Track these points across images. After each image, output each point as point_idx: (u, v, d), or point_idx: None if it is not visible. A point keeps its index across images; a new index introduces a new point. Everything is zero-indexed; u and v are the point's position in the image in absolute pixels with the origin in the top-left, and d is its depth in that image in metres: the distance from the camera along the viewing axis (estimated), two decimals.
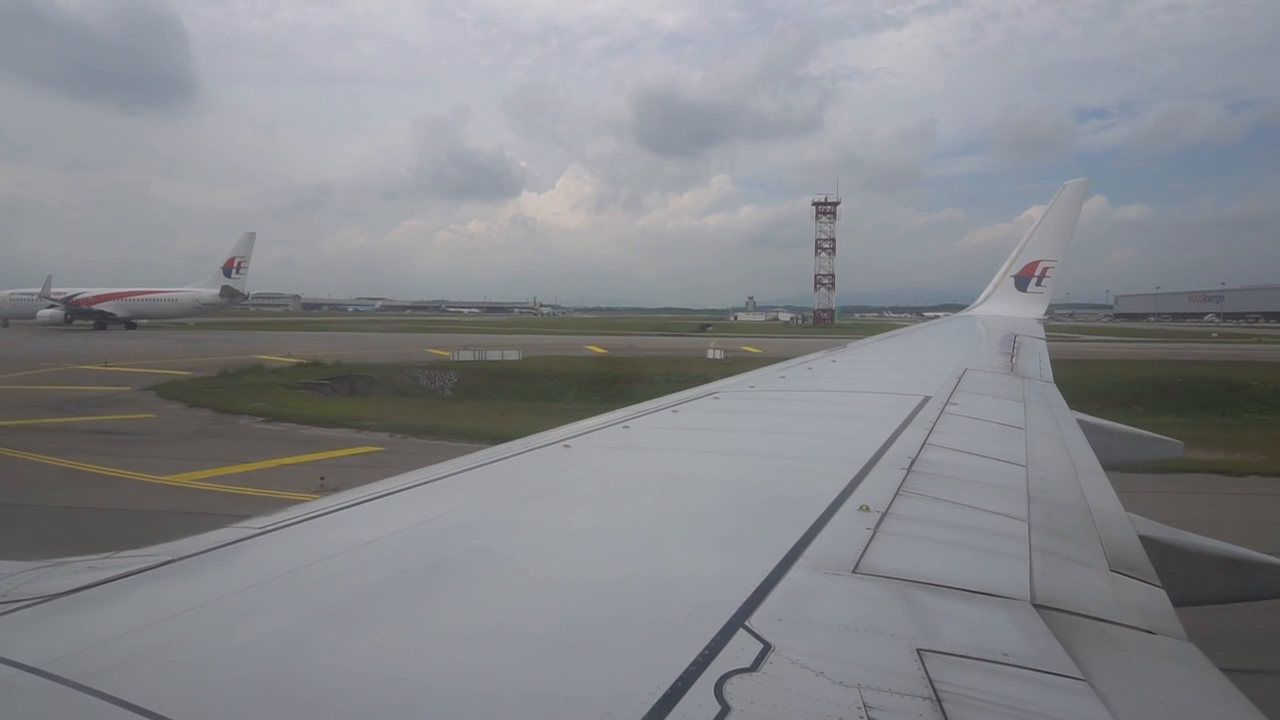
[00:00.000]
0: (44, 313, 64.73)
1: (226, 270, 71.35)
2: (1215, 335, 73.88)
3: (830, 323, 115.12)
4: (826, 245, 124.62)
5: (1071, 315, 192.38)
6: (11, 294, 71.05)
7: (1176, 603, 1.91)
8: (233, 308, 78.01)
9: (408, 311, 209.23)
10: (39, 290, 64.45)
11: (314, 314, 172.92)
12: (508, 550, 1.95)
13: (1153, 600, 1.88)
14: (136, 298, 70.90)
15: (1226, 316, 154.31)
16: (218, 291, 70.59)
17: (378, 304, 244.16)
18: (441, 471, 2.66)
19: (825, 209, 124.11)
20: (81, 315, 66.18)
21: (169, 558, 1.76)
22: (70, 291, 66.42)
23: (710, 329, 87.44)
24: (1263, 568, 2.73)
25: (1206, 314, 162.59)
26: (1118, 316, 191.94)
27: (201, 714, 1.14)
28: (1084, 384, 25.95)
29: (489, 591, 1.66)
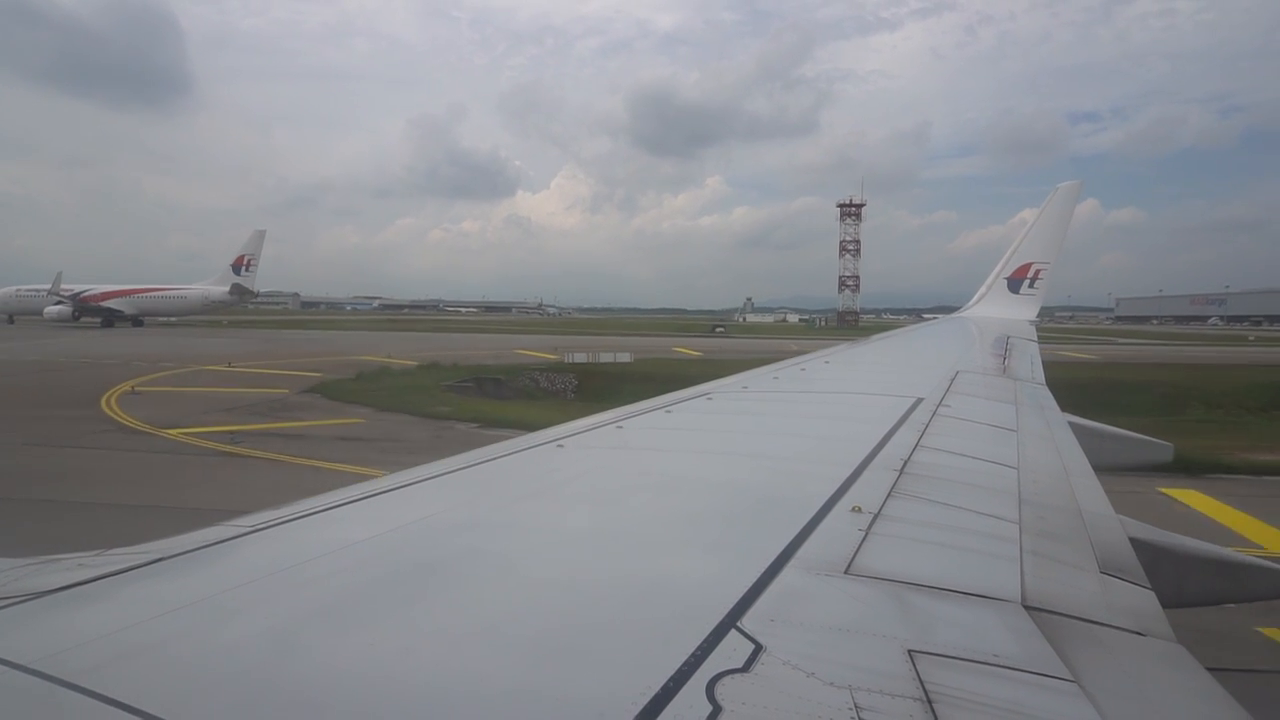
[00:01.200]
0: (51, 309, 64.46)
1: (236, 268, 71.19)
2: (1252, 339, 74.45)
3: (856, 324, 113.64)
4: (851, 247, 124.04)
5: (1072, 317, 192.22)
6: (17, 290, 70.84)
7: (1166, 604, 1.92)
8: (241, 305, 77.59)
9: (405, 310, 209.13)
10: (49, 287, 64.25)
11: (314, 312, 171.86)
12: (500, 550, 1.94)
13: (1142, 602, 1.89)
14: (144, 295, 70.66)
15: (1230, 319, 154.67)
16: (227, 289, 70.39)
17: (376, 303, 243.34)
18: (434, 470, 2.65)
19: (850, 210, 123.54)
20: (89, 312, 65.95)
21: (159, 555, 1.75)
22: (77, 288, 66.14)
23: (722, 330, 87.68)
24: (1251, 570, 2.76)
25: (1209, 317, 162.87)
26: (1118, 319, 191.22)
27: (192, 712, 1.13)
28: (1215, 389, 25.20)
29: (480, 591, 1.66)
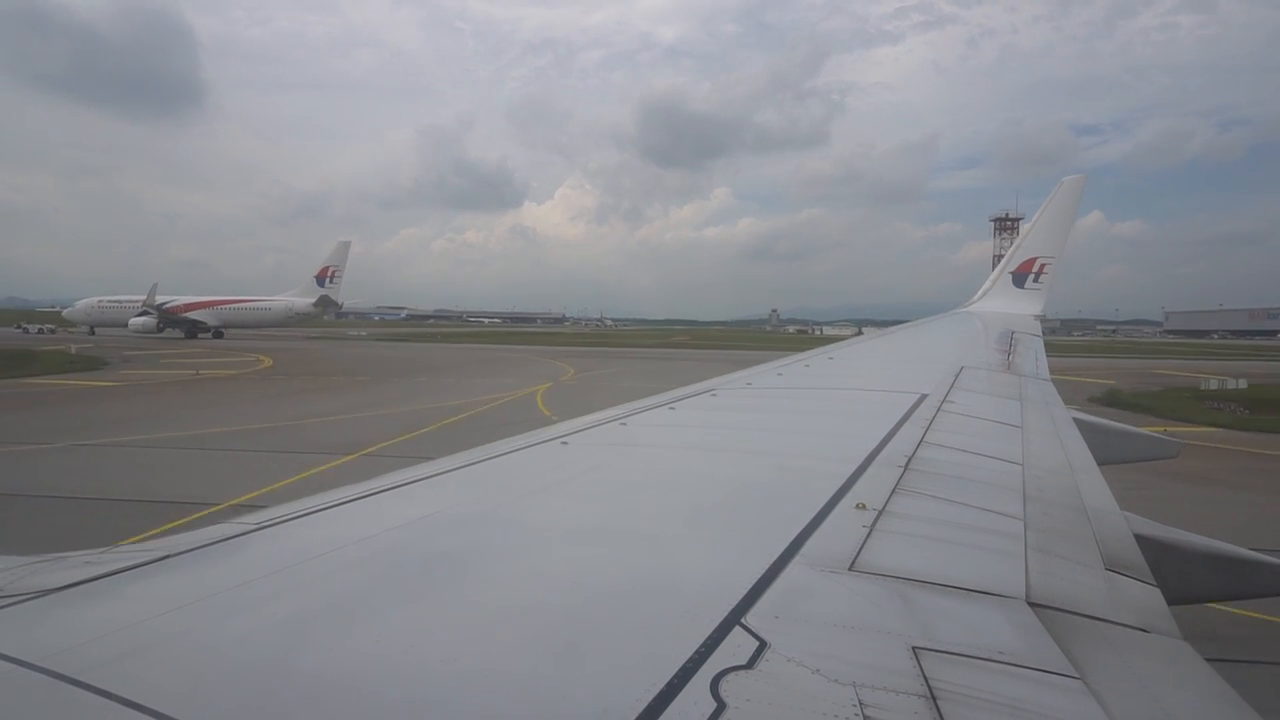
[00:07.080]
0: (136, 320, 65.28)
1: (320, 280, 71.90)
2: None
3: None
4: None
5: (1115, 331, 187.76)
6: (99, 301, 71.93)
7: (1171, 601, 1.92)
8: (325, 317, 77.76)
9: (430, 321, 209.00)
10: (132, 297, 65.89)
11: (355, 322, 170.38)
12: (504, 546, 1.95)
13: (1147, 599, 1.89)
14: (228, 306, 71.60)
15: None
16: (312, 301, 71.15)
17: (404, 313, 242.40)
18: (438, 468, 2.66)
19: (1005, 224, 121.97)
20: (173, 324, 66.95)
21: (166, 553, 1.76)
22: (160, 300, 67.11)
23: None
24: (1255, 566, 2.75)
25: (1279, 331, 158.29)
26: (1169, 333, 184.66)
27: (200, 709, 1.14)
28: None
29: (485, 587, 1.66)
